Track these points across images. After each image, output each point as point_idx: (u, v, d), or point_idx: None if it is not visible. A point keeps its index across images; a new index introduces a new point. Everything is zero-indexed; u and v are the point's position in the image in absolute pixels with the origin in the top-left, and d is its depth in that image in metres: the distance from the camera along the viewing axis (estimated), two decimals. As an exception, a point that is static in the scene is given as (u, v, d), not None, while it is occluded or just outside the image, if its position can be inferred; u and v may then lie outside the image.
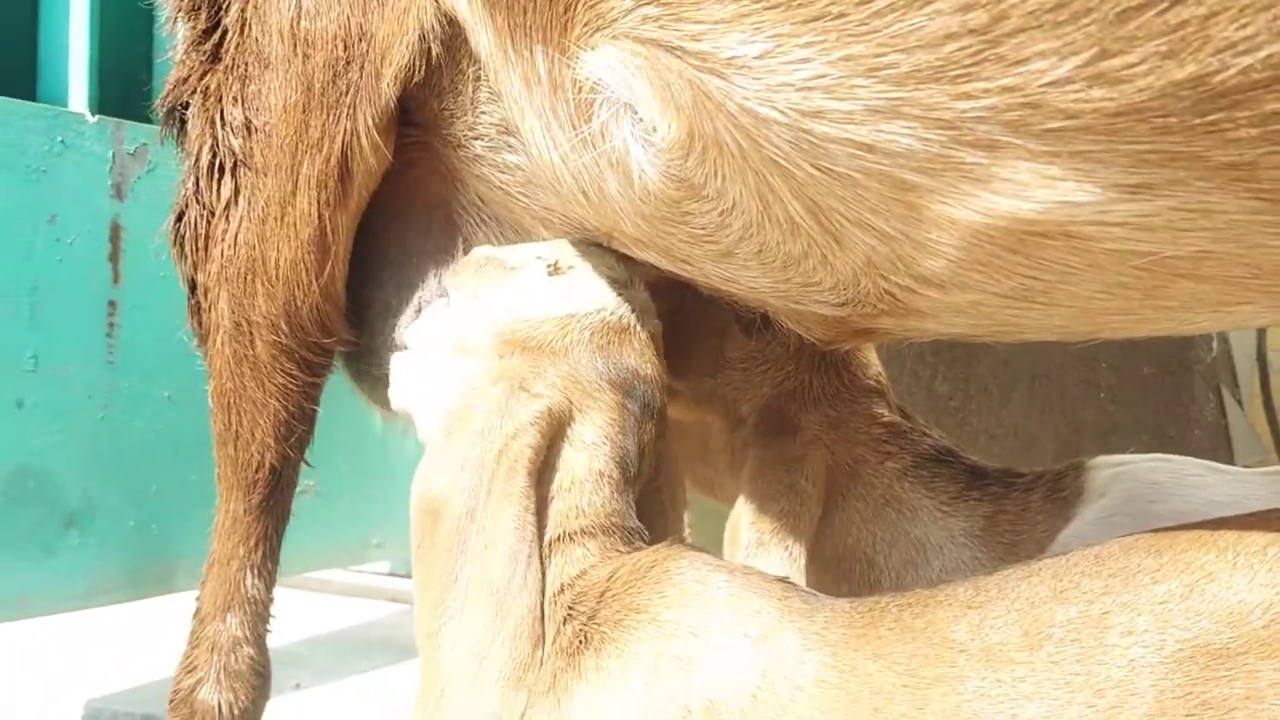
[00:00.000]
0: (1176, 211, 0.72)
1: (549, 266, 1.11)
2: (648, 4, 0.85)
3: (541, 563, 0.94)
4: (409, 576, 3.20)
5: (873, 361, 1.42)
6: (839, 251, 0.88)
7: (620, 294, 1.10)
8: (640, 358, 1.07)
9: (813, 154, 0.80)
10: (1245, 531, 0.78)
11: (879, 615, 0.85)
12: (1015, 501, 1.27)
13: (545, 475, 0.98)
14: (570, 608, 0.92)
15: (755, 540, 1.25)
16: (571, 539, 0.96)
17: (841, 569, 1.32)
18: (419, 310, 1.40)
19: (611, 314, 1.07)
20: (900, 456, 1.32)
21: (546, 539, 0.96)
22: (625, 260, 1.17)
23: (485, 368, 1.04)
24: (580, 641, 0.90)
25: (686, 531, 1.23)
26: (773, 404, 1.36)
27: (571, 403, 1.00)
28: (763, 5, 0.77)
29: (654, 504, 1.12)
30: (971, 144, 0.73)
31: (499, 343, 1.06)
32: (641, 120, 0.92)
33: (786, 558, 1.24)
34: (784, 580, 0.94)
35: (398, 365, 1.26)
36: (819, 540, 1.30)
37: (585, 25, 0.92)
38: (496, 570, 0.91)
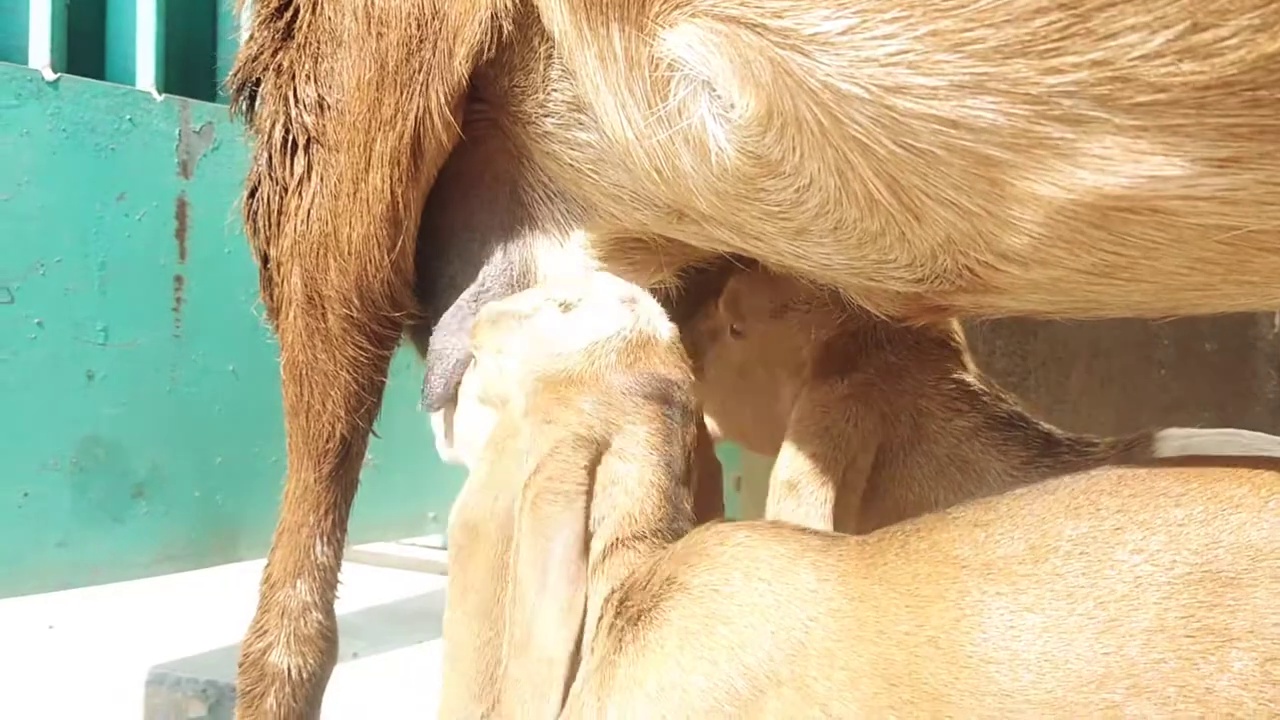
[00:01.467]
0: (1264, 185, 0.72)
1: (560, 305, 1.16)
2: (729, -19, 0.86)
3: (572, 582, 0.98)
4: (462, 550, 3.23)
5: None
6: (918, 228, 0.89)
7: (633, 311, 1.14)
8: (666, 365, 1.10)
9: (895, 130, 0.81)
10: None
11: (887, 542, 0.88)
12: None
13: (595, 495, 1.02)
14: (619, 602, 0.96)
15: (787, 484, 1.26)
16: (624, 544, 0.99)
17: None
18: (484, 285, 1.42)
19: (630, 331, 1.11)
20: (971, 416, 1.31)
21: (601, 547, 1.00)
22: (630, 275, 1.23)
23: (517, 405, 1.09)
24: (623, 624, 0.94)
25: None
26: (832, 344, 1.36)
27: (609, 423, 1.04)
28: None
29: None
30: (1058, 119, 0.73)
31: (531, 384, 1.10)
32: (719, 97, 0.93)
33: (815, 502, 1.25)
34: (804, 527, 0.97)
35: (438, 422, 1.34)
36: (875, 492, 1.30)
37: (664, 3, 0.93)
38: (526, 599, 0.96)
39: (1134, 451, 1.25)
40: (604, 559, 1.00)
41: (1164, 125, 0.71)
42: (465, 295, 1.44)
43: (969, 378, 1.38)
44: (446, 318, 1.41)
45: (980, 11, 0.72)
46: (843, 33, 0.79)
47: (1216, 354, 2.11)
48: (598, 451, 1.03)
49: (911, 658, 0.79)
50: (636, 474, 1.02)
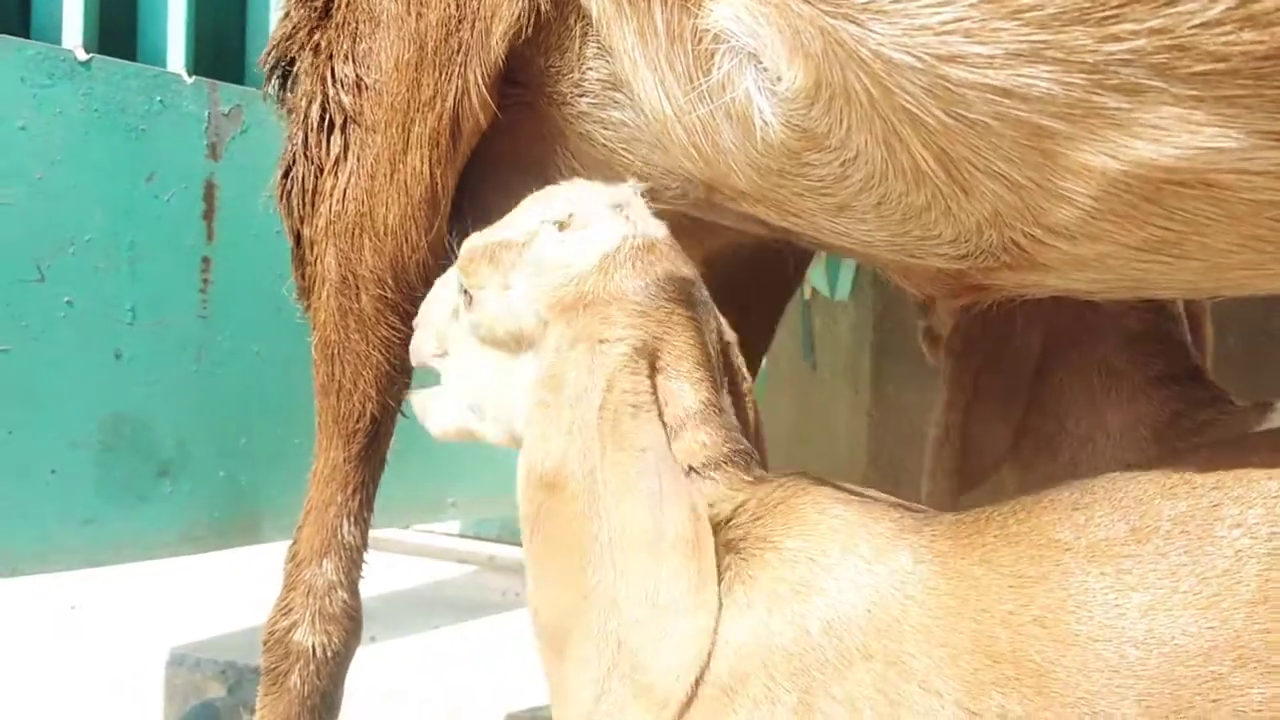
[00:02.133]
0: None
1: (557, 225, 1.11)
2: (780, -47, 0.86)
3: (685, 485, 0.95)
4: (478, 538, 3.26)
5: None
6: (965, 202, 0.89)
7: (628, 216, 1.11)
8: (675, 262, 1.08)
9: (947, 100, 0.81)
10: None
11: (985, 524, 0.89)
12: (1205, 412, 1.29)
13: (660, 405, 1.00)
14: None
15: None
16: (699, 473, 0.98)
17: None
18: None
19: (634, 236, 1.08)
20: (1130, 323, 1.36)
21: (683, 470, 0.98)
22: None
23: (560, 336, 1.05)
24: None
25: None
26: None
27: (650, 334, 1.02)
28: None
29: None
30: (1115, 88, 0.73)
31: (558, 312, 1.06)
32: (766, 70, 0.93)
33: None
34: (900, 503, 0.97)
35: (423, 402, 1.27)
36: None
37: None
38: (637, 515, 0.93)
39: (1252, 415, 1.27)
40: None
41: (1221, 96, 0.71)
42: None
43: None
44: None
45: None
46: (897, 1, 0.79)
47: (1239, 348, 2.11)
48: (652, 363, 1.01)
49: (1016, 636, 0.80)
50: (691, 393, 1.01)
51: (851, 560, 0.89)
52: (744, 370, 1.14)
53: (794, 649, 0.87)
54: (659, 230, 1.10)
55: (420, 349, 1.27)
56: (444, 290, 1.23)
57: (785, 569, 0.90)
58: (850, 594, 0.87)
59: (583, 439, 0.97)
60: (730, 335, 1.13)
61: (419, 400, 1.29)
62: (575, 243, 1.09)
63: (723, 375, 1.08)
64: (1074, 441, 1.35)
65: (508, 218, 1.18)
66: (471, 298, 1.15)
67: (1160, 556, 0.78)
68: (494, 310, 1.13)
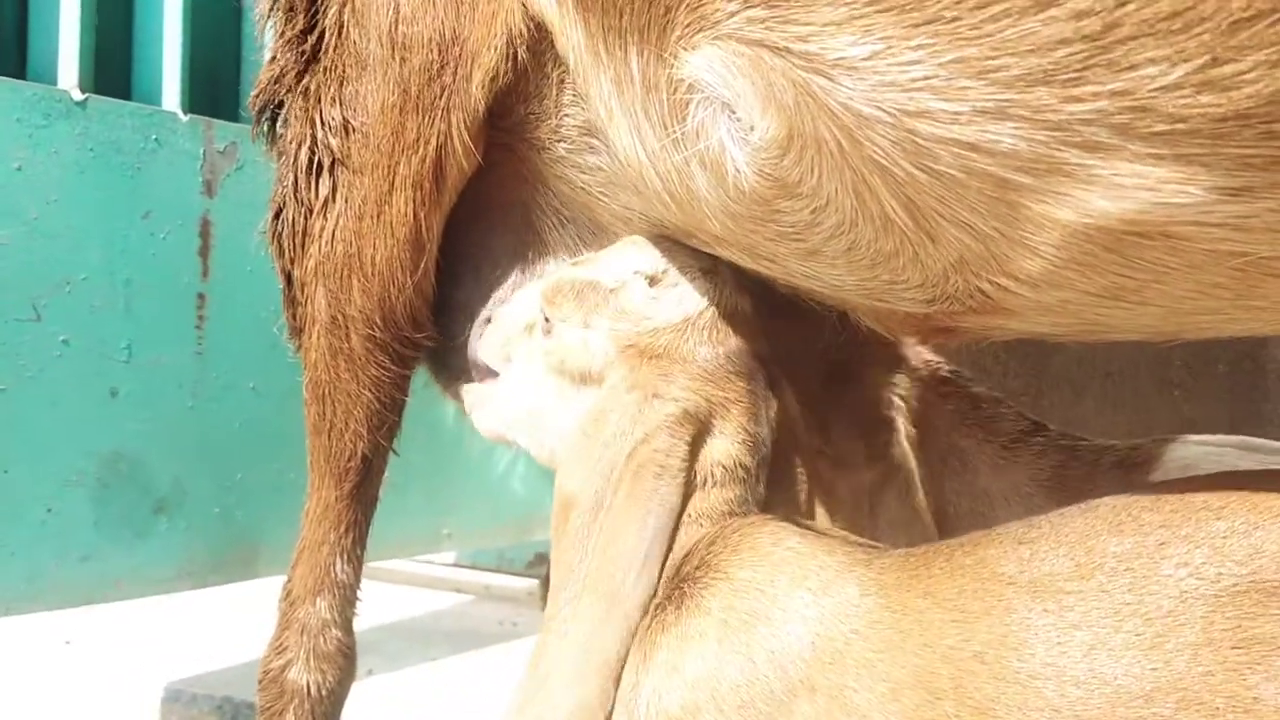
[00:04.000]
0: (1275, 214, 0.73)
1: (648, 279, 1.15)
2: (755, 6, 0.88)
3: (663, 565, 0.98)
4: (474, 568, 3.27)
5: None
6: (932, 249, 0.90)
7: (715, 284, 1.14)
8: (752, 338, 1.11)
9: (915, 153, 0.82)
10: None
11: (932, 557, 0.89)
12: (1082, 460, 1.28)
13: (693, 471, 1.03)
14: (668, 583, 0.97)
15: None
16: (695, 520, 1.01)
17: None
18: (494, 306, 1.44)
19: (719, 305, 1.12)
20: (956, 399, 1.35)
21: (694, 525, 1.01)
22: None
23: (620, 379, 1.09)
24: (665, 600, 0.96)
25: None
26: (833, 369, 1.38)
27: (708, 399, 1.05)
28: (875, 9, 0.79)
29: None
30: (1078, 145, 0.75)
31: (627, 357, 1.10)
32: (739, 119, 0.94)
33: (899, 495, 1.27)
34: (861, 540, 0.98)
35: (485, 392, 1.30)
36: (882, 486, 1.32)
37: (687, 26, 0.95)
38: (614, 567, 0.96)
39: (1137, 453, 1.27)
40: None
41: (1180, 154, 0.72)
42: (479, 317, 1.45)
43: (937, 362, 1.40)
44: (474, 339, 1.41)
45: (1005, 41, 0.74)
46: (867, 58, 0.80)
47: (1229, 376, 2.12)
48: (700, 429, 1.04)
49: (958, 672, 0.80)
50: (727, 451, 1.04)
51: (799, 592, 0.89)
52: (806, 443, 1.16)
53: (741, 680, 0.87)
54: (744, 302, 1.14)
55: (486, 349, 1.31)
56: (524, 305, 1.28)
57: (735, 599, 0.91)
58: (796, 625, 0.88)
59: (602, 478, 1.01)
60: (797, 410, 1.16)
61: (472, 393, 1.32)
62: (661, 299, 1.13)
63: (770, 450, 1.10)
64: (964, 519, 1.33)
65: (601, 257, 1.23)
66: (551, 327, 1.19)
67: (1104, 594, 0.78)
68: (570, 344, 1.16)
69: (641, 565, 0.96)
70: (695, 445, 1.03)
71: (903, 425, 1.32)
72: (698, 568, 0.95)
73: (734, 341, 1.10)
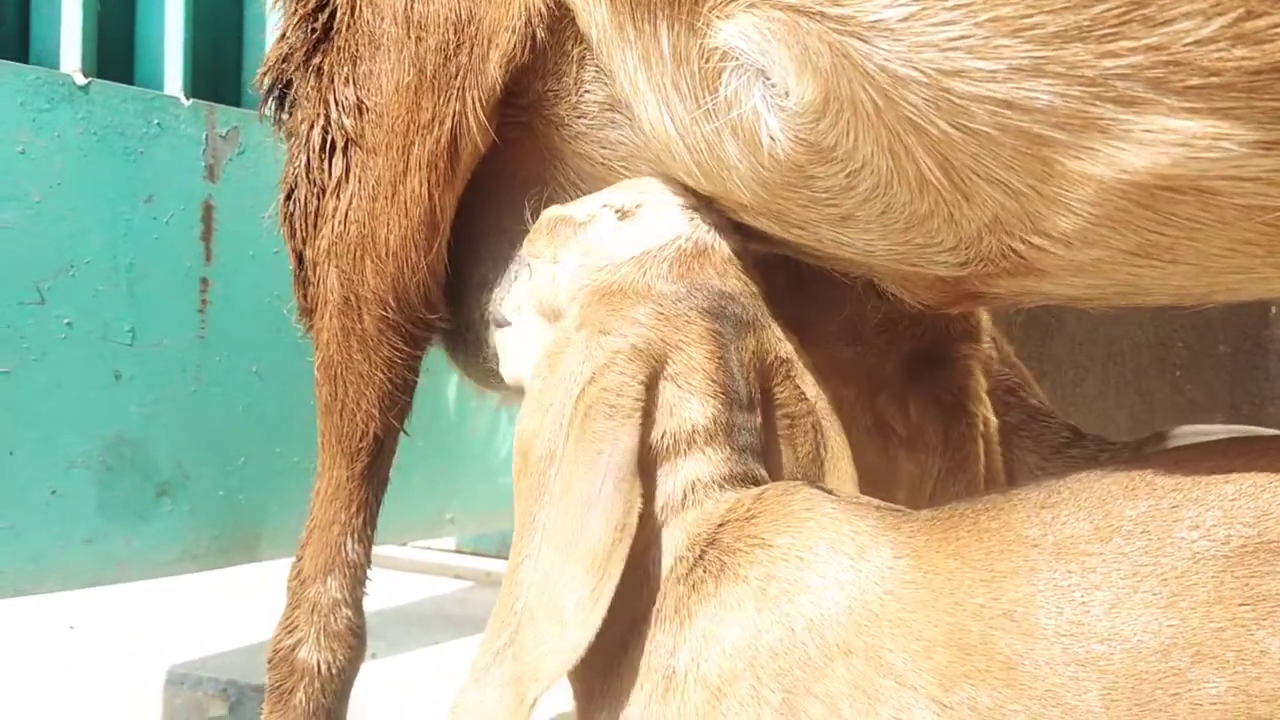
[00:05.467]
0: None
1: (618, 212, 1.12)
2: (789, -28, 0.89)
3: (626, 499, 0.93)
4: (475, 554, 3.27)
5: (986, 324, 1.46)
6: (967, 209, 0.91)
7: (693, 219, 1.10)
8: (722, 275, 1.06)
9: (950, 111, 0.83)
10: None
11: (958, 520, 0.91)
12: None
13: (651, 413, 0.98)
14: (700, 552, 0.96)
15: (944, 469, 1.28)
16: (700, 491, 0.99)
17: None
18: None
19: (687, 240, 1.07)
20: (1015, 411, 1.36)
21: (680, 492, 0.98)
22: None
23: (571, 317, 1.06)
24: (702, 574, 0.95)
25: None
26: (918, 352, 1.39)
27: (664, 340, 1.00)
28: None
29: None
30: (1113, 100, 0.76)
31: (584, 295, 1.07)
32: (774, 85, 0.95)
33: (970, 483, 1.27)
34: (884, 504, 0.98)
35: (502, 341, 1.29)
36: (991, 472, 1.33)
37: None
38: (570, 513, 0.93)
39: (1145, 447, 1.29)
40: (682, 506, 0.98)
41: (1215, 108, 0.74)
42: (495, 296, 1.45)
43: (1009, 372, 1.42)
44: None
45: None
46: (903, 19, 0.82)
47: (1230, 356, 2.14)
48: (655, 368, 0.98)
49: (988, 629, 0.82)
50: (698, 408, 0.98)
51: (837, 557, 0.90)
52: (813, 389, 1.10)
53: (779, 648, 0.88)
54: (720, 240, 1.09)
55: (504, 303, 1.29)
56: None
57: (774, 566, 0.92)
58: (834, 591, 0.89)
59: (554, 421, 0.97)
60: (786, 353, 1.09)
61: (501, 338, 1.28)
62: (625, 232, 1.09)
63: (760, 396, 1.05)
64: None
65: (586, 196, 1.20)
66: (530, 267, 1.17)
67: (1122, 556, 0.81)
68: (542, 280, 1.14)
69: (591, 508, 0.92)
70: (651, 383, 0.97)
71: (983, 420, 1.33)
72: (737, 539, 0.95)
73: (698, 277, 1.04)
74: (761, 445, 1.04)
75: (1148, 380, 2.19)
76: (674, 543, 0.97)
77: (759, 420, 1.04)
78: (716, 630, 0.91)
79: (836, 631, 0.87)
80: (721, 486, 0.99)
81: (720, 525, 0.96)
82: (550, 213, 1.20)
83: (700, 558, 0.95)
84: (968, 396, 1.35)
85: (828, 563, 0.90)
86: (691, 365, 1.00)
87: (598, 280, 1.07)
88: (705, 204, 1.14)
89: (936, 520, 0.92)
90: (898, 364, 1.40)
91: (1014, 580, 0.83)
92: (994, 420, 1.35)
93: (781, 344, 1.09)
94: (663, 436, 0.99)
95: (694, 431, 0.99)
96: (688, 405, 0.99)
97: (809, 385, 1.09)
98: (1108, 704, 0.77)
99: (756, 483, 1.01)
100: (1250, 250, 0.83)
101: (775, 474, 1.06)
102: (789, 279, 1.32)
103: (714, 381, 1.00)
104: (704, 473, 0.99)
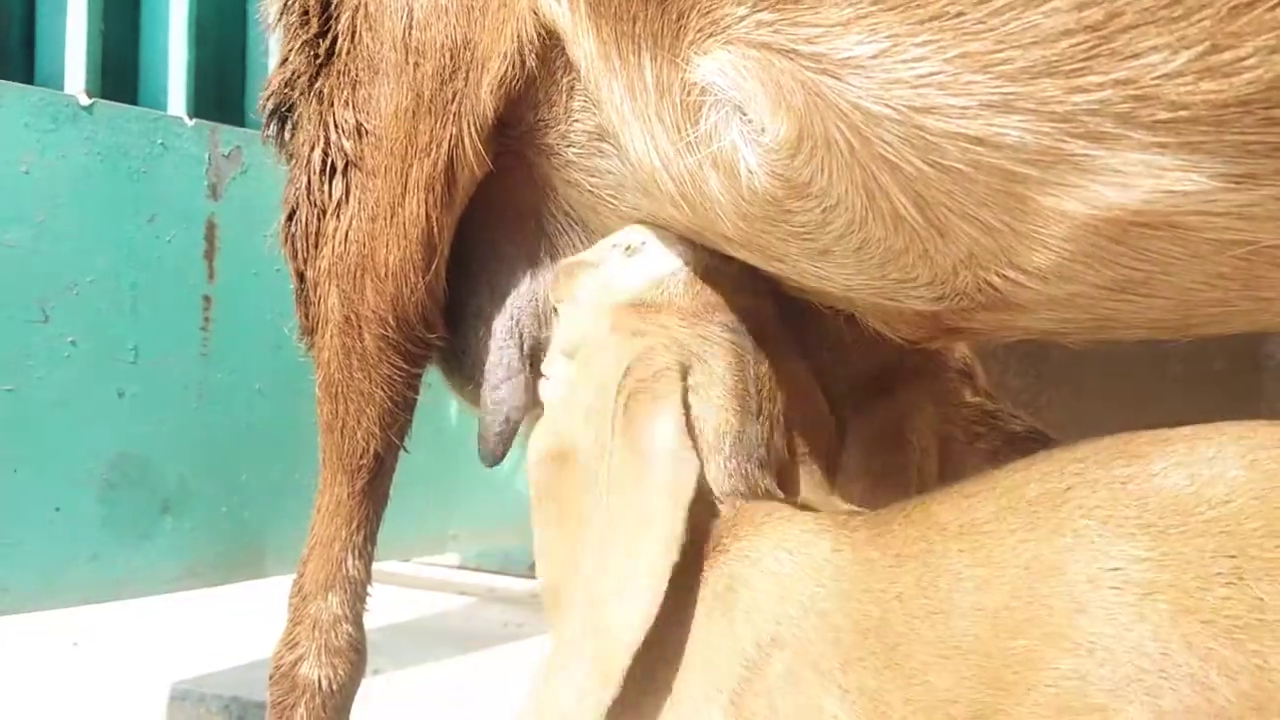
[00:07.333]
0: (1278, 201, 0.76)
1: (625, 249, 1.18)
2: (763, 10, 0.90)
3: (681, 474, 0.95)
4: (478, 570, 3.27)
5: (955, 355, 1.45)
6: (942, 244, 0.92)
7: (696, 247, 1.16)
8: (733, 294, 1.12)
9: (924, 149, 0.84)
10: (1252, 429, 0.80)
11: (895, 513, 0.93)
12: None
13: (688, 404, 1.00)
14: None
15: (862, 493, 1.28)
16: (701, 504, 0.99)
17: None
18: (513, 316, 1.45)
19: (696, 264, 1.13)
20: (990, 438, 1.35)
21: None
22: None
23: (600, 325, 1.10)
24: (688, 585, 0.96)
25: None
26: (870, 373, 1.39)
27: (689, 347, 1.04)
28: (880, 7, 0.82)
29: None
30: (1082, 136, 0.77)
31: (610, 310, 1.11)
32: (751, 121, 0.96)
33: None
34: (852, 510, 1.01)
35: (544, 395, 1.29)
36: None
37: (699, 31, 0.97)
38: (629, 497, 0.95)
39: None
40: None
41: (1184, 142, 0.74)
42: (499, 331, 1.46)
43: (984, 399, 1.41)
44: (493, 366, 1.43)
45: (1009, 34, 0.76)
46: (874, 56, 0.83)
47: (1227, 373, 2.14)
48: (685, 366, 1.01)
49: (884, 612, 0.84)
50: (716, 419, 1.01)
51: (777, 553, 0.93)
52: (778, 399, 1.13)
53: (724, 645, 0.90)
54: (727, 265, 1.14)
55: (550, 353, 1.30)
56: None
57: (726, 568, 0.94)
58: (769, 584, 0.91)
59: (599, 417, 1.00)
60: (765, 365, 1.13)
61: (543, 391, 1.28)
62: (638, 265, 1.15)
63: (778, 412, 1.09)
64: None
65: (594, 244, 1.25)
66: (557, 313, 1.22)
67: (1010, 533, 0.81)
68: (566, 320, 1.19)
69: (655, 486, 0.94)
70: (684, 374, 1.00)
71: (920, 452, 1.33)
72: (713, 549, 0.97)
73: (709, 296, 1.10)
74: (774, 460, 1.07)
75: (1144, 397, 2.19)
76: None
77: (772, 435, 1.07)
78: (694, 633, 0.94)
79: (770, 626, 0.89)
80: (729, 500, 1.01)
81: (707, 544, 0.98)
82: (564, 262, 1.25)
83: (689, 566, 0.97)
84: (907, 428, 1.34)
85: (768, 559, 0.92)
86: (711, 378, 1.04)
87: (620, 300, 1.12)
88: (698, 246, 1.17)
89: (880, 515, 0.94)
90: (846, 383, 1.41)
91: (912, 564, 0.85)
92: (935, 456, 1.35)
93: (759, 354, 1.12)
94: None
95: (711, 446, 1.02)
96: (706, 418, 1.02)
97: (774, 390, 1.12)
98: (958, 681, 0.77)
99: (765, 495, 1.03)
100: (1225, 284, 0.84)
101: (789, 488, 1.09)
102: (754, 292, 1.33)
103: (732, 394, 1.04)
104: (715, 483, 1.01)
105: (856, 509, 1.02)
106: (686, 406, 0.99)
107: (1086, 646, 0.74)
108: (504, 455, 1.43)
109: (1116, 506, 0.78)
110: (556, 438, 1.04)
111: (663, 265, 1.13)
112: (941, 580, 0.82)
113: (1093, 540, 0.77)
